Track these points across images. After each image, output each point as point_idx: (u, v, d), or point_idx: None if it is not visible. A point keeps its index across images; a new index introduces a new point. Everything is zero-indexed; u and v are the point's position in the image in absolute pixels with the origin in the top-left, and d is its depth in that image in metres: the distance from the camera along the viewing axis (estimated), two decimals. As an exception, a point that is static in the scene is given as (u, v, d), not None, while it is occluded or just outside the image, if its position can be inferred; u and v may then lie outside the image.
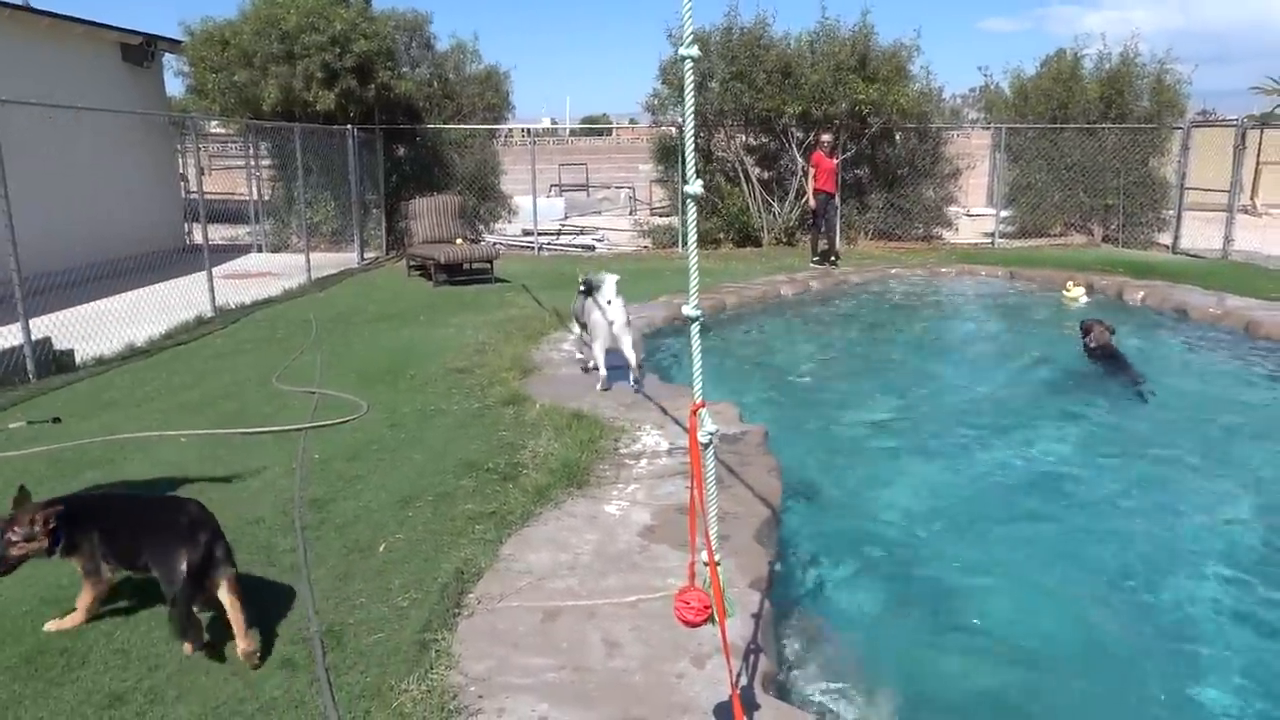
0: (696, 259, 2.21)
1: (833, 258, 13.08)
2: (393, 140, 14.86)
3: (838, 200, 13.69)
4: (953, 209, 16.55)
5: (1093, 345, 7.59)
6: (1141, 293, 10.28)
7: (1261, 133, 19.27)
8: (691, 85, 2.10)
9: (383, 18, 14.41)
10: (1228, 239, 13.75)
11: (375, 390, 6.32)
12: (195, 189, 13.41)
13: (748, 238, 15.26)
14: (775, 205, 15.46)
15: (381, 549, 3.86)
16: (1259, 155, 20.38)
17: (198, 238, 11.18)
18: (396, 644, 3.10)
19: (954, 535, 4.51)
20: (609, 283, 6.16)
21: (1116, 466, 5.42)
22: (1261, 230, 16.03)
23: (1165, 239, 15.14)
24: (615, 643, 3.09)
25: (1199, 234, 14.47)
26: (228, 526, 3.21)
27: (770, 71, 14.56)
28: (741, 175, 15.45)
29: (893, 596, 3.92)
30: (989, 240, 15.76)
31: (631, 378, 6.23)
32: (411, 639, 3.12)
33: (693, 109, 2.14)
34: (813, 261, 12.98)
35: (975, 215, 17.98)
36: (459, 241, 12.08)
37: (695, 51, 2.06)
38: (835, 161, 13.49)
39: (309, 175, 13.15)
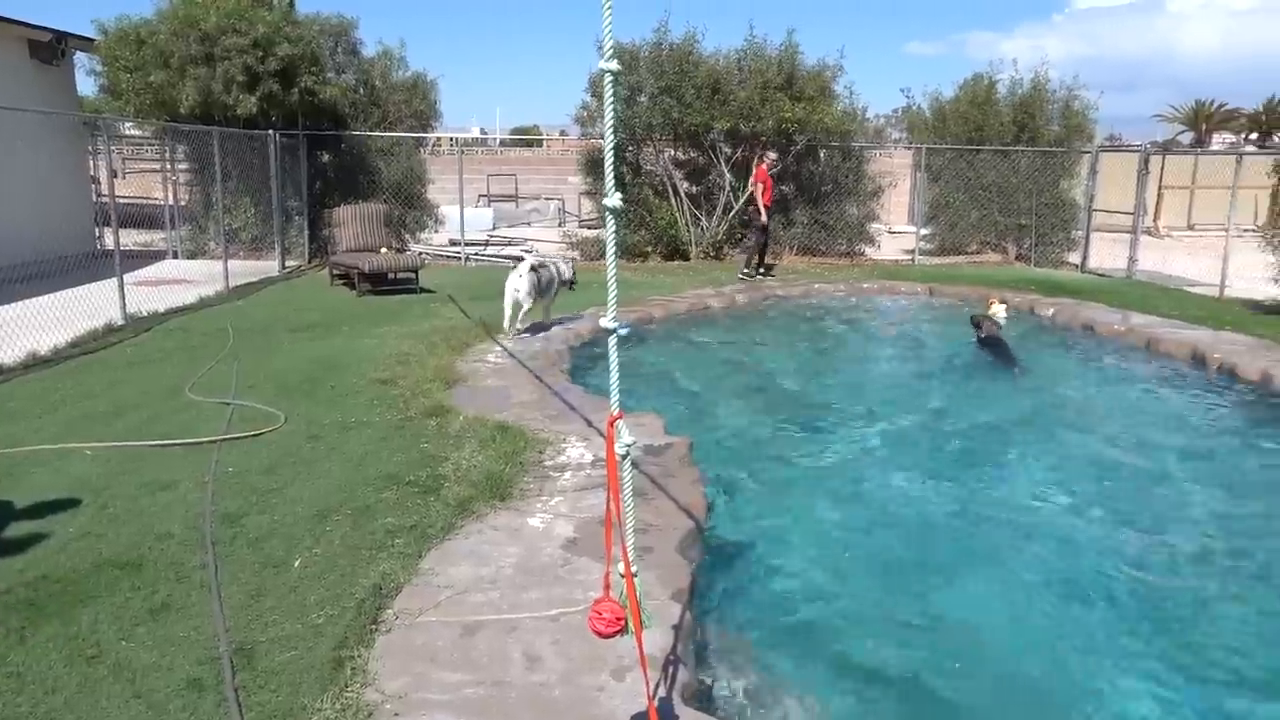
0: (615, 272, 2.22)
1: (761, 270, 13.52)
2: (317, 146, 14.57)
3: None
4: (875, 226, 16.94)
5: (983, 336, 8.88)
6: (1052, 310, 10.68)
7: (1164, 159, 20.21)
8: (611, 98, 2.12)
9: (307, 21, 14.14)
10: (1132, 259, 14.37)
11: (294, 402, 6.18)
12: (107, 192, 12.93)
13: (676, 251, 15.38)
14: (703, 219, 15.62)
15: (297, 564, 3.77)
16: (1161, 180, 21.39)
17: (109, 242, 10.76)
18: (310, 662, 3.03)
19: (873, 542, 4.61)
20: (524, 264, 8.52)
21: (1005, 452, 5.65)
22: (1163, 251, 16.80)
23: (1074, 258, 15.77)
24: (536, 657, 3.07)
25: (1106, 254, 15.13)
26: (135, 542, 3.10)
27: (699, 87, 14.74)
28: (670, 189, 15.57)
29: (815, 606, 3.98)
30: (910, 257, 16.18)
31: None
32: (326, 656, 3.05)
33: (612, 122, 2.16)
34: (759, 273, 13.40)
35: (897, 233, 18.47)
36: (384, 250, 11.89)
37: (615, 65, 2.07)
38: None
39: (228, 180, 12.79)
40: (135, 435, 5.40)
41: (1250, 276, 11.95)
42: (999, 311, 9.74)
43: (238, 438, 5.37)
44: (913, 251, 16.23)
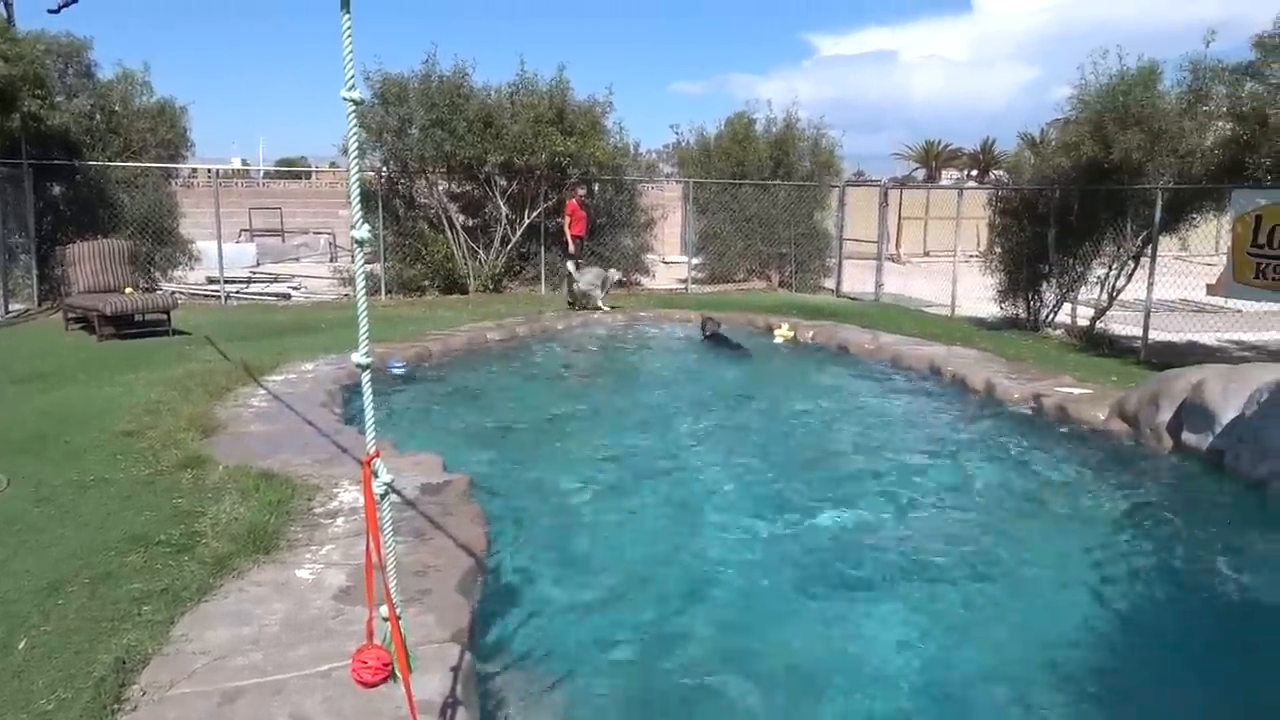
0: (366, 304, 2.15)
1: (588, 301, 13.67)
2: (46, 177, 13.15)
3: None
4: (650, 256, 17.54)
5: (707, 333, 11.22)
6: (812, 332, 11.47)
7: (901, 192, 22.41)
8: (355, 130, 2.07)
9: (29, 39, 12.77)
10: (879, 284, 15.75)
11: (18, 461, 5.49)
12: None
13: (454, 285, 15.17)
14: (481, 252, 15.52)
15: (22, 645, 3.34)
16: (900, 211, 23.68)
17: None
18: (36, 755, 2.69)
19: (660, 567, 4.70)
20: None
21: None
22: (905, 276, 18.54)
23: (830, 284, 17.09)
24: (304, 718, 2.88)
25: (857, 279, 16.51)
26: None
27: (471, 120, 14.69)
28: (445, 223, 15.37)
29: (603, 638, 3.99)
30: (683, 286, 16.86)
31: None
32: (56, 746, 2.72)
33: (357, 154, 2.10)
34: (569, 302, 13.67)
35: (671, 262, 19.21)
36: (129, 290, 10.88)
37: (357, 95, 2.02)
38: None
39: (-67, 215, 11.29)
40: None
41: (975, 297, 13.45)
42: (785, 333, 10.89)
43: (-54, 507, 4.70)
44: (686, 280, 16.92)
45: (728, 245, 17.46)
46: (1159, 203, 10.18)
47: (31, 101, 12.15)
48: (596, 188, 16.42)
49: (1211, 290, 10.34)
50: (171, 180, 14.97)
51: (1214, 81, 10.15)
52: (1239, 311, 11.43)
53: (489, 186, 15.42)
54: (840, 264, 16.95)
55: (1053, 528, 5.35)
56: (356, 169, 2.12)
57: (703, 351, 11.03)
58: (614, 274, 13.95)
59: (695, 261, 17.30)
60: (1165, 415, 6.58)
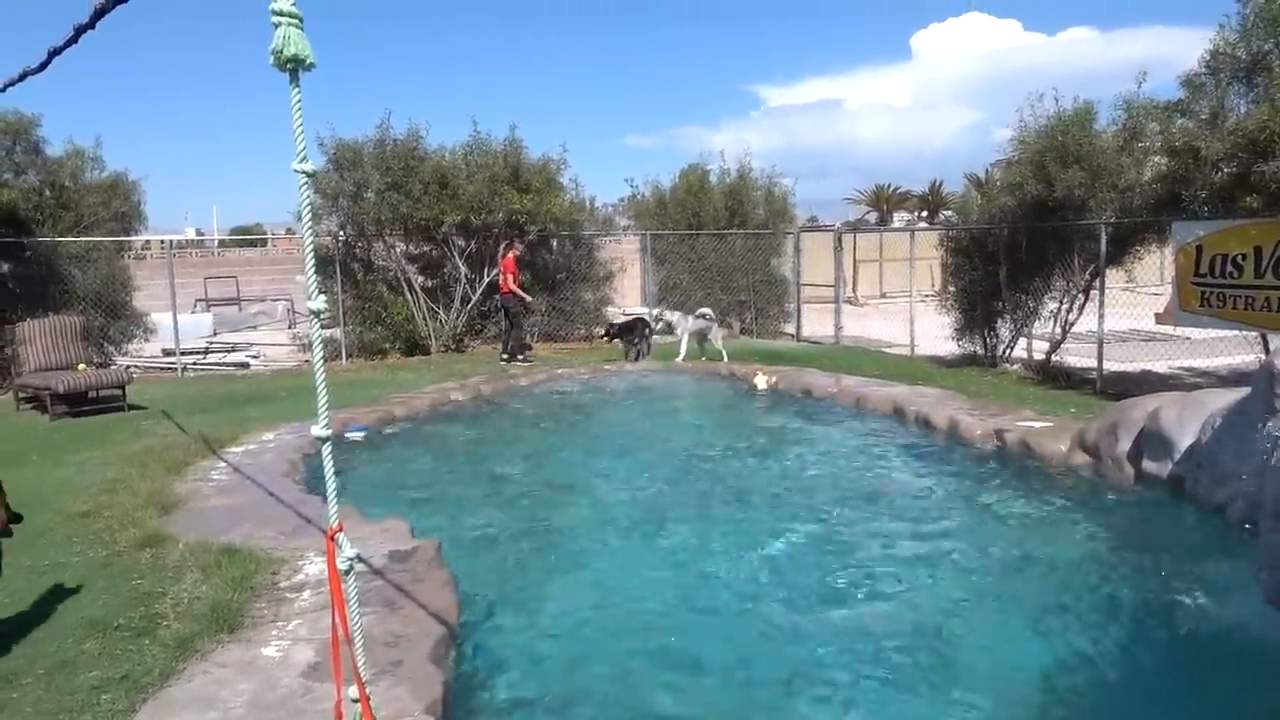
0: (324, 375, 2.14)
1: (520, 356, 13.77)
2: (-6, 255, 12.94)
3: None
4: (611, 309, 17.62)
5: (612, 332, 13.37)
6: (774, 377, 11.54)
7: (855, 236, 22.82)
8: (308, 200, 2.07)
9: (-25, 118, 12.68)
10: (838, 327, 15.95)
11: (-33, 549, 5.31)
12: None
13: (416, 346, 15.10)
14: (441, 312, 15.49)
15: (-28, 744, 3.20)
16: (855, 254, 24.07)
17: None
18: None
19: (631, 622, 4.64)
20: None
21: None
22: (863, 318, 18.80)
23: (790, 328, 17.27)
24: (274, 803, 2.78)
25: (816, 323, 16.69)
26: None
27: (427, 182, 14.79)
28: (405, 284, 15.35)
29: (580, 696, 3.92)
30: (645, 337, 16.91)
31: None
32: None
33: (309, 225, 2.10)
34: (517, 358, 13.64)
35: (631, 314, 19.26)
36: (82, 367, 10.67)
37: (309, 167, 2.03)
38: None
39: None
40: None
41: (933, 336, 13.65)
42: (761, 381, 10.93)
43: (-110, 602, 4.52)
44: (647, 332, 16.98)
45: (688, 295, 17.58)
46: (1104, 237, 10.47)
47: (-22, 180, 12.00)
48: (555, 243, 16.53)
49: (1160, 319, 10.59)
50: (124, 253, 14.80)
51: (1147, 119, 10.55)
52: (1188, 339, 11.71)
53: (447, 246, 15.46)
54: (799, 309, 17.16)
55: (1022, 562, 5.38)
56: (310, 238, 2.12)
57: (666, 404, 11.05)
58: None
59: (655, 312, 17.38)
60: (1125, 445, 6.69)
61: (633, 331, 13.84)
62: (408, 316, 15.09)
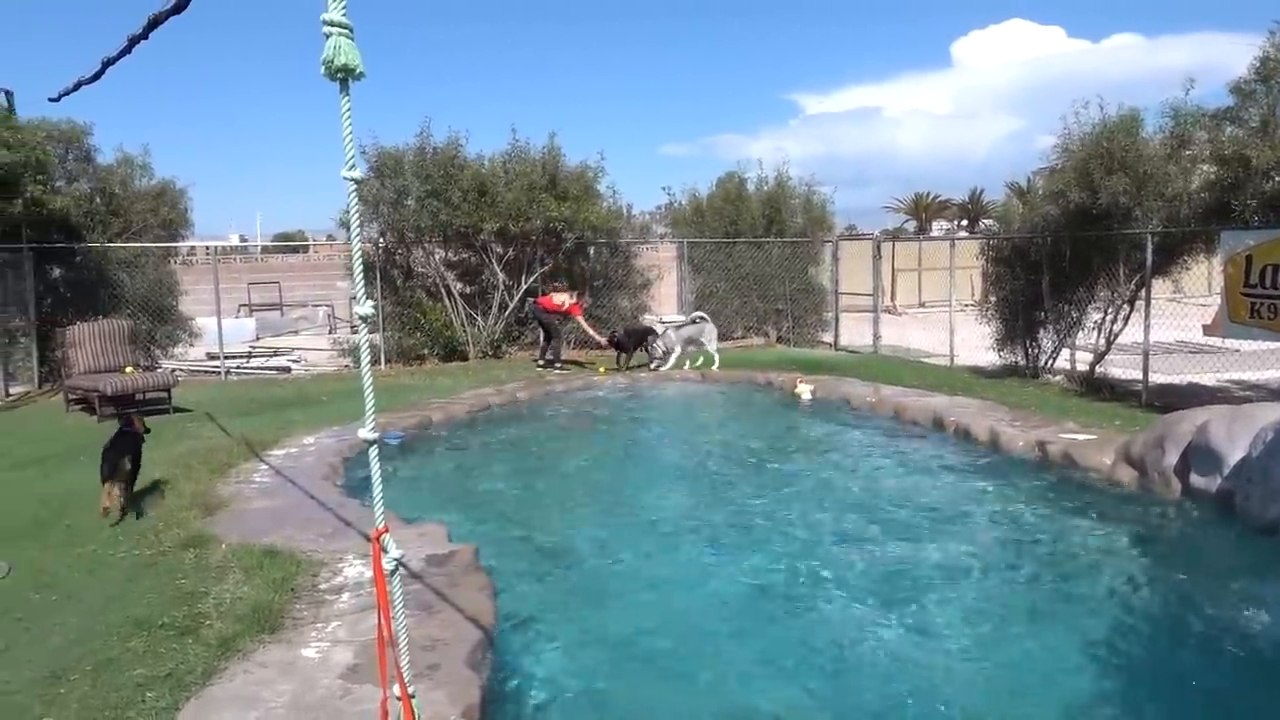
0: (371, 379, 2.16)
1: (557, 364, 13.85)
2: (47, 260, 13.27)
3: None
4: (647, 317, 17.62)
5: (617, 337, 13.35)
6: (814, 386, 11.45)
7: (894, 245, 22.64)
8: (356, 207, 2.10)
9: (30, 127, 12.98)
10: (876, 335, 15.81)
11: (19, 547, 5.45)
12: None
13: (454, 352, 15.22)
14: (479, 319, 15.61)
15: (22, 738, 3.27)
16: (893, 263, 23.87)
17: None
18: None
19: (671, 635, 4.63)
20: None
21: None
22: (901, 327, 18.62)
23: (828, 338, 17.13)
24: (314, 803, 2.81)
25: (854, 332, 16.56)
26: None
27: (466, 190, 14.92)
28: (443, 290, 15.49)
29: (619, 708, 3.91)
30: (681, 345, 16.88)
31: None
32: (59, 843, 2.64)
33: (358, 231, 2.13)
34: (555, 367, 13.76)
35: (668, 322, 19.25)
36: (129, 370, 10.90)
37: (358, 174, 2.06)
38: (557, 299, 14.23)
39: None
40: None
41: (973, 346, 13.48)
42: (805, 391, 10.74)
43: (-54, 597, 4.64)
44: (684, 340, 16.95)
45: (724, 303, 17.55)
46: (1149, 246, 10.28)
47: (33, 187, 12.32)
48: (592, 251, 16.59)
49: (1208, 331, 10.37)
50: (171, 259, 15.12)
51: (1195, 127, 10.34)
52: (1237, 351, 11.45)
53: (485, 254, 15.59)
54: (837, 318, 17.03)
55: (1068, 578, 5.28)
56: (359, 244, 2.14)
57: (713, 409, 11.03)
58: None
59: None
60: (1172, 458, 6.55)
61: (642, 339, 13.81)
62: (446, 322, 15.23)
